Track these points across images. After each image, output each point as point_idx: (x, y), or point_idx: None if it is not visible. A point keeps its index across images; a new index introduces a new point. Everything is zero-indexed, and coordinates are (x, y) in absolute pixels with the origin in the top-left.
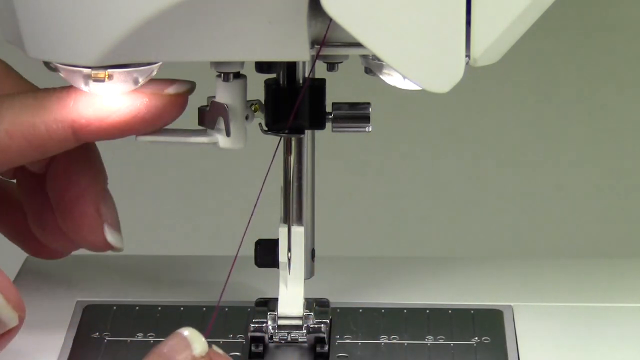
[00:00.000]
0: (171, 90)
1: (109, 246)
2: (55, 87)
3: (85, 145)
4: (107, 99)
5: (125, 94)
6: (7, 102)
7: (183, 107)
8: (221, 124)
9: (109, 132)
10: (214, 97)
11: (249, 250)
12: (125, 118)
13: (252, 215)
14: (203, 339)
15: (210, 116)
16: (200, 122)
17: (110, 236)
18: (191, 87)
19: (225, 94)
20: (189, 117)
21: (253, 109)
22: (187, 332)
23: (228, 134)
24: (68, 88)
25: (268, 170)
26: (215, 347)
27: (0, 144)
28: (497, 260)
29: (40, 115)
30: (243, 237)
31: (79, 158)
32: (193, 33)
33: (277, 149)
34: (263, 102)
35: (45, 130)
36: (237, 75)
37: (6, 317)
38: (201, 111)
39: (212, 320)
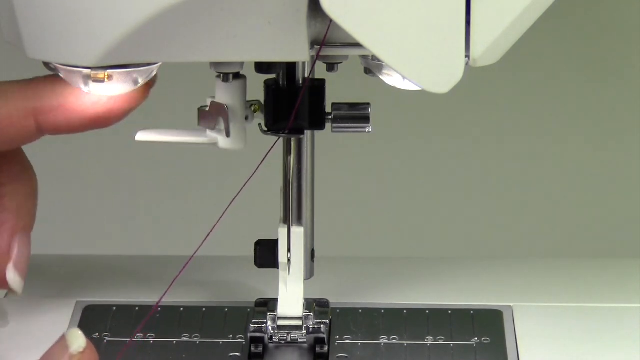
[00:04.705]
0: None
1: (5, 285)
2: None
3: (18, 188)
4: (71, 91)
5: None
6: None
7: (145, 97)
8: (221, 125)
9: (72, 121)
10: (214, 97)
11: (249, 251)
12: (90, 106)
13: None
14: (81, 337)
15: (210, 116)
16: (200, 123)
17: (11, 275)
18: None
19: (225, 95)
20: (189, 118)
21: (253, 109)
22: (67, 333)
23: (228, 134)
24: (32, 78)
25: (254, 172)
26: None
27: None
28: (497, 260)
29: (2, 103)
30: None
31: (11, 196)
32: (193, 33)
33: (271, 148)
34: (263, 102)
35: (8, 117)
36: (237, 76)
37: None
38: (201, 111)
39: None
